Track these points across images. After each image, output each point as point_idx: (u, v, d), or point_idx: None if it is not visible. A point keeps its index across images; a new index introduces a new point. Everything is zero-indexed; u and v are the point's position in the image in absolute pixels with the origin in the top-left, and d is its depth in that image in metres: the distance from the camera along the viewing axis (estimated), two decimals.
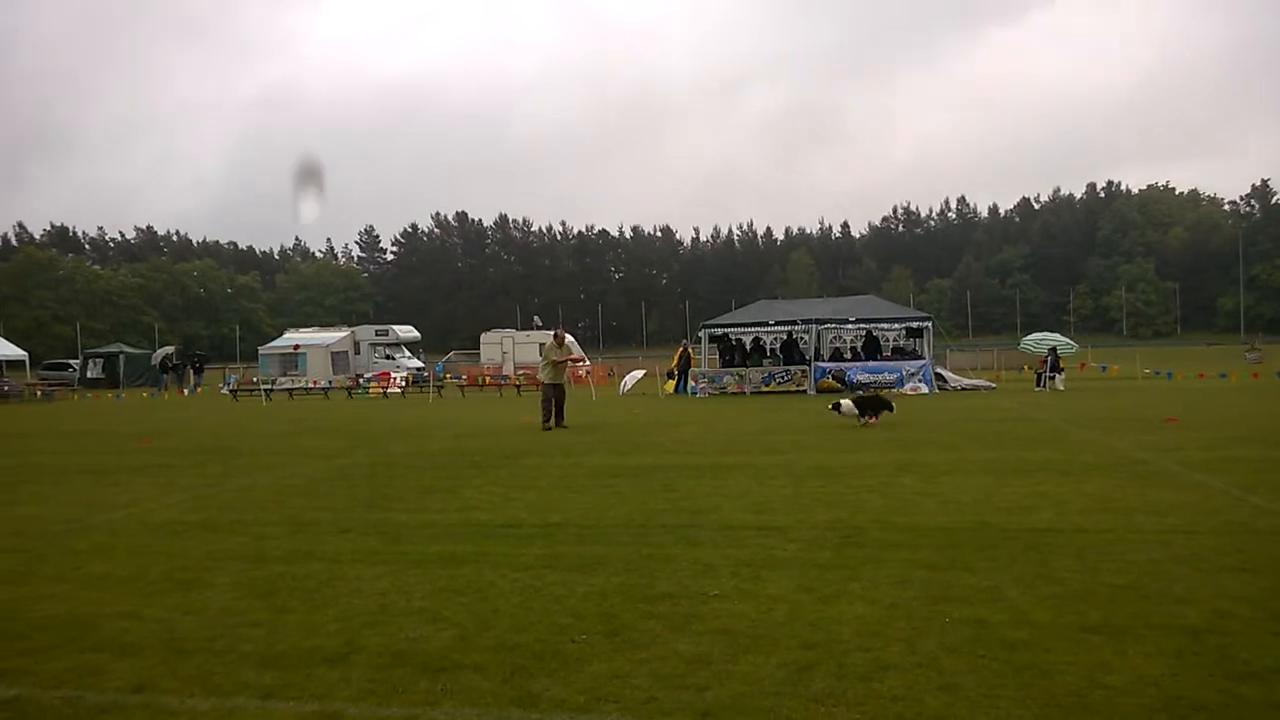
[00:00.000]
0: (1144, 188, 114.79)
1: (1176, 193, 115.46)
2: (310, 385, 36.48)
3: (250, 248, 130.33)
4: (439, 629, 4.91)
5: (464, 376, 37.39)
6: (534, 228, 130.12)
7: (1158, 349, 70.30)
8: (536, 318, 53.51)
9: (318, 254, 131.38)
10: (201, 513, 8.82)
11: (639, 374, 31.00)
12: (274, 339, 47.18)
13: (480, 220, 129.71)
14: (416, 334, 47.21)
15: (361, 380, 36.71)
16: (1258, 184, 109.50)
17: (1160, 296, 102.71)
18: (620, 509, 8.33)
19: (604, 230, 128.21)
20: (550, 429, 16.46)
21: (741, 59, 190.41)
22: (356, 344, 43.17)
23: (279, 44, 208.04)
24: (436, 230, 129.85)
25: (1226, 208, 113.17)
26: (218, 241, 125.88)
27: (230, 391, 34.83)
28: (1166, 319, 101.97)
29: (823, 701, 3.79)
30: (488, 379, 36.15)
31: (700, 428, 16.65)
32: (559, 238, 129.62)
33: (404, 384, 35.40)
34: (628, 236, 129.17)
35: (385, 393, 33.60)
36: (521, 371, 38.28)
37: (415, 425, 19.21)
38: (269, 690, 4.12)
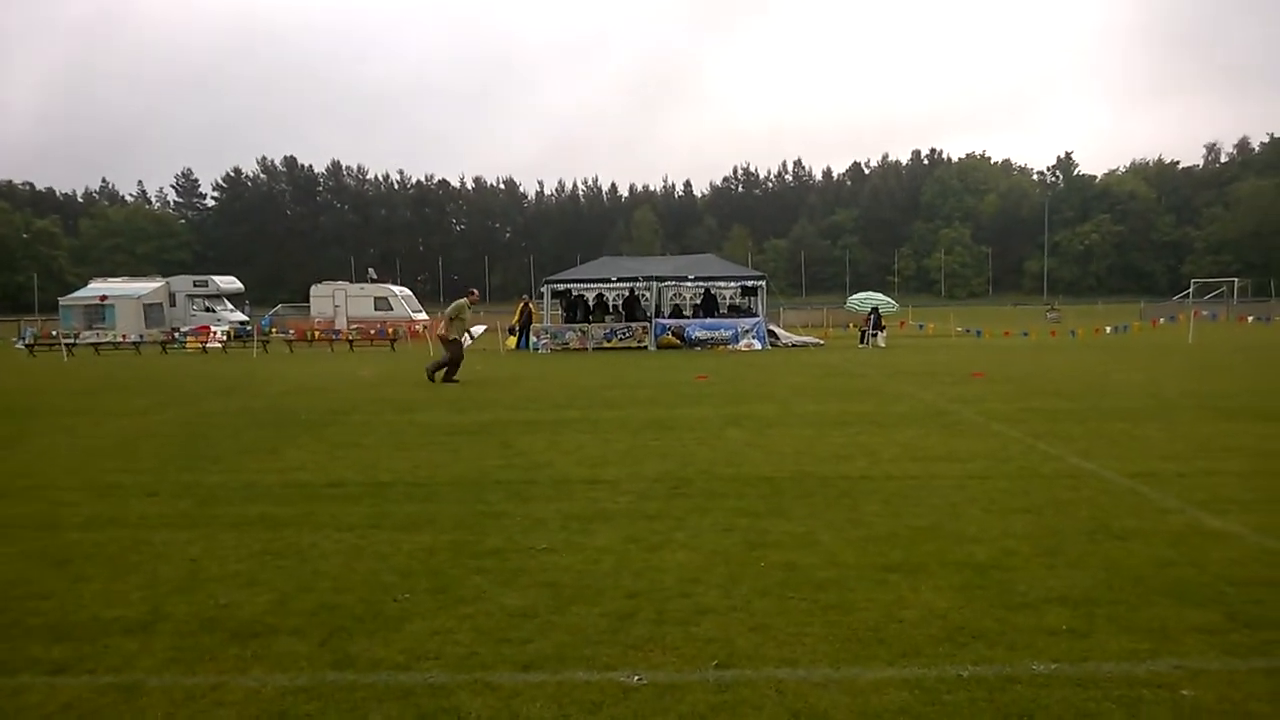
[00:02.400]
0: (963, 156, 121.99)
1: (992, 161, 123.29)
2: (119, 339, 34.00)
3: (50, 189, 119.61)
4: (254, 593, 4.73)
5: (291, 331, 35.74)
6: (369, 175, 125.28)
7: (971, 308, 75.37)
8: (371, 270, 51.55)
9: (128, 198, 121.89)
10: None
11: (479, 329, 30.50)
12: (77, 289, 43.47)
13: (310, 166, 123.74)
14: (239, 285, 44.56)
15: (177, 334, 34.49)
16: (1062, 156, 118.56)
17: (975, 259, 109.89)
18: (454, 466, 8.24)
19: (444, 180, 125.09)
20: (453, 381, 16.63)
21: (595, 16, 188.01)
22: (172, 295, 40.36)
23: None
24: (263, 175, 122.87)
25: (1035, 177, 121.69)
26: (10, 182, 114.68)
27: (26, 346, 32.00)
28: (980, 280, 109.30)
29: (641, 647, 3.91)
30: (318, 333, 34.68)
31: (540, 383, 16.63)
32: (396, 187, 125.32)
33: (225, 338, 33.52)
34: (469, 188, 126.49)
35: (204, 347, 31.74)
36: (355, 325, 36.98)
37: (236, 382, 18.27)
38: (60, 665, 3.87)
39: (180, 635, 4.16)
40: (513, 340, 29.52)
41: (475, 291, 20.05)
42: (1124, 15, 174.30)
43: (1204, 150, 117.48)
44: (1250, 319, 45.17)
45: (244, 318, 42.31)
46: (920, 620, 4.16)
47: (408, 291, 44.92)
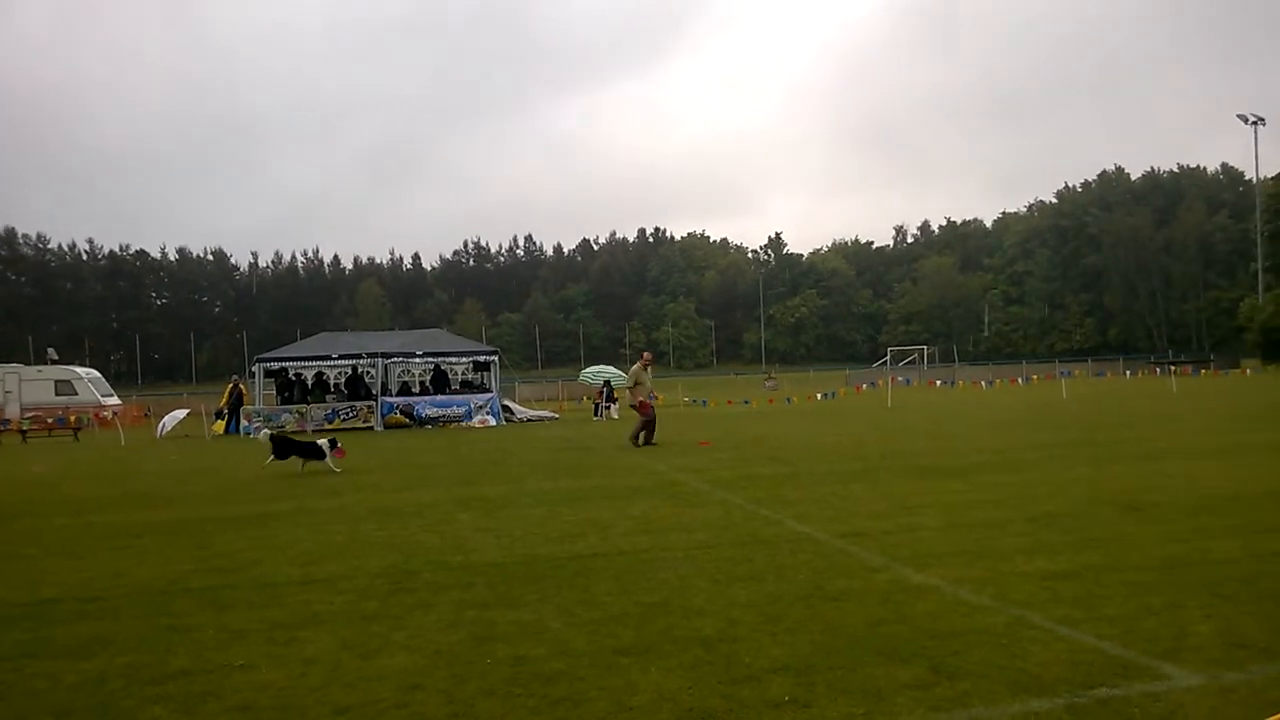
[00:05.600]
0: (685, 235, 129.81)
1: (711, 240, 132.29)
2: None
3: None
4: None
5: None
6: (51, 244, 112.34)
7: (697, 378, 79.46)
8: (52, 350, 45.66)
9: None
10: None
11: (181, 414, 27.84)
12: None
13: None
14: None
15: None
16: (773, 236, 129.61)
17: (699, 332, 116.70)
18: (137, 574, 7.23)
19: (142, 251, 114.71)
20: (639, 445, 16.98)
21: (328, 91, 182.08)
22: None
23: None
24: None
25: (750, 255, 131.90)
26: None
27: None
28: (705, 351, 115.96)
29: None
30: None
31: (250, 472, 15.27)
32: (85, 257, 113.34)
33: None
34: (173, 259, 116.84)
35: None
36: (29, 414, 32.43)
37: None
38: None
39: None
40: (220, 425, 27.20)
41: (647, 354, 20.06)
42: (823, 119, 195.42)
43: (893, 231, 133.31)
44: (937, 383, 51.04)
45: None
46: (650, 705, 4.03)
47: (96, 374, 40.29)
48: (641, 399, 17.91)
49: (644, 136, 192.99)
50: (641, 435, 17.35)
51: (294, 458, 14.45)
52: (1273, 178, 69.49)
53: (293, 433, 15.99)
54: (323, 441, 14.37)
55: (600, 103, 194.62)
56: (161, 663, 4.92)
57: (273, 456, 14.49)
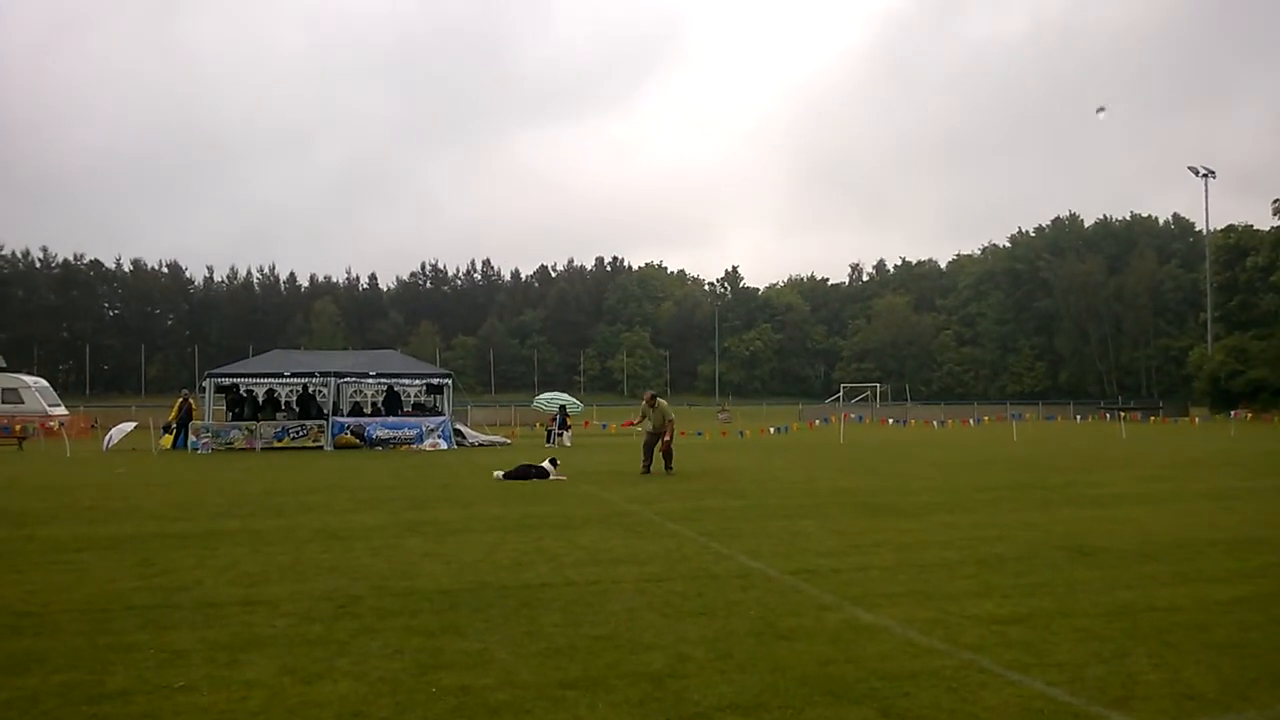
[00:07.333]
0: (643, 265, 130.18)
1: (669, 271, 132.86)
2: None
3: None
4: None
5: None
6: (4, 251, 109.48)
7: None
8: None
9: None
10: None
11: (128, 426, 27.22)
12: None
13: None
14: None
15: None
16: (730, 269, 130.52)
17: (654, 361, 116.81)
18: (78, 590, 7.04)
19: (96, 261, 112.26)
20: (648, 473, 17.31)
21: (295, 110, 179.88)
22: None
23: None
24: None
25: (707, 288, 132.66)
26: None
27: None
28: (659, 381, 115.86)
29: None
30: None
31: (196, 488, 14.98)
32: (38, 265, 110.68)
33: None
34: (127, 270, 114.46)
35: None
36: None
37: None
38: None
39: None
40: (168, 439, 26.63)
41: (649, 392, 19.19)
42: (784, 157, 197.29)
43: (849, 269, 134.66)
44: (890, 421, 51.63)
45: None
46: None
47: (44, 383, 39.28)
48: (652, 428, 17.87)
49: (607, 168, 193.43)
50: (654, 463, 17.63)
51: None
52: (1222, 230, 71.45)
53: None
54: (545, 463, 16.63)
55: (566, 134, 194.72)
56: (99, 682, 4.80)
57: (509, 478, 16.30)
